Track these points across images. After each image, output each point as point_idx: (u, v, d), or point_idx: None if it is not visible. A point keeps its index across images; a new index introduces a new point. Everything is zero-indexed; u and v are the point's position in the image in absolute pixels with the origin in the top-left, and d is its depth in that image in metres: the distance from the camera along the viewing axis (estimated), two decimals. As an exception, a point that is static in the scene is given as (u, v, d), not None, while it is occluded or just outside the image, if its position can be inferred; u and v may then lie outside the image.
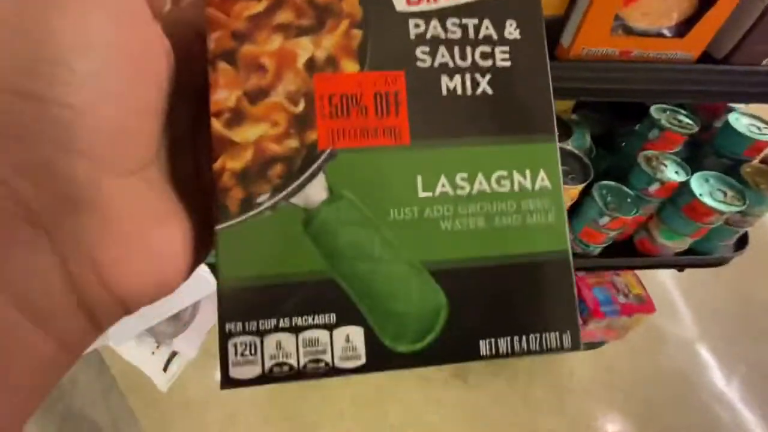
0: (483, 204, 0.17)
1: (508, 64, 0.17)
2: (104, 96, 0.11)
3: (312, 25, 0.17)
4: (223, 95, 0.16)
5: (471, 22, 0.17)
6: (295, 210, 0.16)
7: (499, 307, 0.16)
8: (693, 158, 0.61)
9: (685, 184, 0.55)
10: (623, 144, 0.67)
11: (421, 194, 0.16)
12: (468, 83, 0.17)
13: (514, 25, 0.18)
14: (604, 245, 0.61)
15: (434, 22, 0.17)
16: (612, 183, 0.59)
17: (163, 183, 0.15)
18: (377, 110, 0.16)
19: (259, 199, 0.16)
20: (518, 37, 0.18)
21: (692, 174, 0.56)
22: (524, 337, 0.16)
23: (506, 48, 0.17)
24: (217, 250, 0.15)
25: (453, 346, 0.16)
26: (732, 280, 1.24)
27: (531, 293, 0.17)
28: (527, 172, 0.17)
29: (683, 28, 0.32)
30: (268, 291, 0.16)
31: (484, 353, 0.16)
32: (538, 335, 0.16)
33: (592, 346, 1.02)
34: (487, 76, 0.17)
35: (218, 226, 0.15)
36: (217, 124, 0.16)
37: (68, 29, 0.11)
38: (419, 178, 0.16)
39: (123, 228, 0.12)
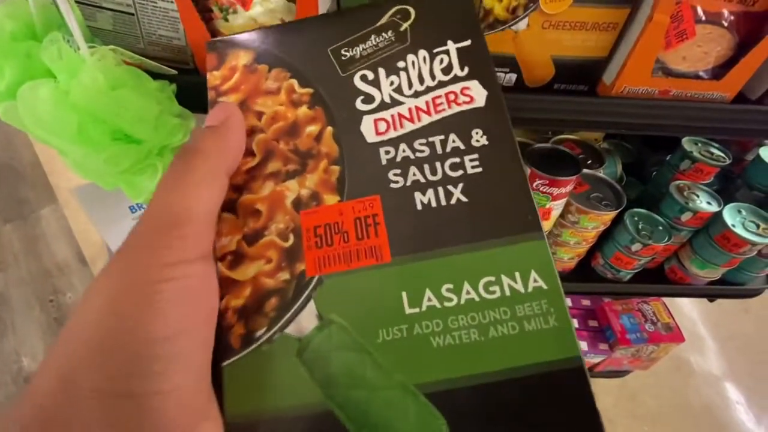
0: (474, 314, 0.16)
1: (479, 170, 0.18)
2: (184, 369, 0.14)
3: (296, 169, 0.19)
4: (226, 241, 0.18)
5: (437, 139, 0.18)
6: (289, 340, 0.16)
7: (510, 427, 0.14)
8: (724, 190, 0.62)
9: (718, 215, 0.56)
10: (654, 173, 0.68)
11: (408, 311, 0.16)
12: (441, 195, 0.17)
13: (480, 132, 0.18)
14: (635, 271, 0.63)
15: (403, 146, 0.18)
16: (644, 210, 0.60)
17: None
18: (358, 234, 0.17)
19: (258, 334, 0.17)
20: (486, 142, 0.18)
21: (724, 205, 0.57)
22: None
23: (475, 155, 0.18)
24: (223, 386, 0.16)
25: None
26: (761, 315, 1.21)
27: (546, 409, 0.14)
28: (516, 274, 0.16)
29: (719, 71, 0.35)
30: (271, 425, 0.15)
31: None
32: None
33: (616, 374, 1.01)
34: (460, 185, 0.18)
35: (223, 363, 0.16)
36: (221, 267, 0.17)
37: (157, 328, 0.14)
38: (404, 295, 0.16)
39: None
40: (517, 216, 0.17)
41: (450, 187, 0.18)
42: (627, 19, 0.33)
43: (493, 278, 0.16)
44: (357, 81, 0.20)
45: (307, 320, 0.17)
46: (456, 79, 0.19)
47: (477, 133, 0.18)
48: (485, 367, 0.15)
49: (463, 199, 0.17)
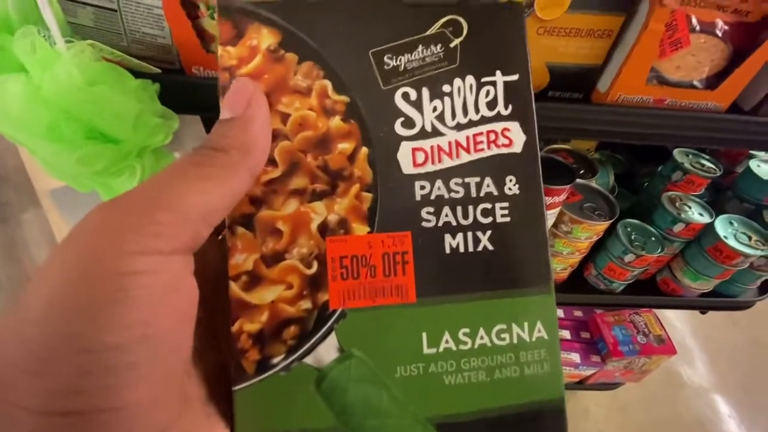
0: (484, 358, 0.17)
1: (507, 219, 0.18)
2: (142, 381, 0.12)
3: (325, 190, 0.17)
4: (241, 259, 0.16)
5: (473, 181, 0.18)
6: (307, 369, 0.16)
7: None
8: (715, 202, 0.62)
9: (710, 226, 0.56)
10: (645, 184, 0.68)
11: (426, 351, 0.17)
12: (470, 240, 0.18)
13: (514, 180, 0.18)
14: (628, 282, 0.62)
15: (439, 183, 0.18)
16: (636, 221, 0.60)
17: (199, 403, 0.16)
18: (385, 270, 0.17)
19: (274, 360, 0.16)
20: (517, 192, 0.18)
21: (715, 217, 0.57)
22: None
23: (506, 204, 0.18)
24: (234, 409, 0.16)
25: None
26: (749, 327, 1.22)
27: None
28: (525, 324, 0.18)
29: (714, 81, 0.35)
30: None
31: None
32: None
33: (608, 386, 0.99)
34: (488, 233, 0.18)
35: (235, 387, 0.16)
36: (235, 288, 0.16)
37: (113, 333, 0.12)
38: (424, 335, 0.17)
39: None
40: (534, 270, 0.18)
41: (479, 234, 0.18)
42: (622, 26, 0.33)
43: (505, 326, 0.17)
44: (398, 98, 0.18)
45: (327, 351, 0.17)
46: (498, 118, 0.18)
47: (510, 180, 0.18)
48: (487, 404, 0.17)
49: (489, 247, 0.18)
